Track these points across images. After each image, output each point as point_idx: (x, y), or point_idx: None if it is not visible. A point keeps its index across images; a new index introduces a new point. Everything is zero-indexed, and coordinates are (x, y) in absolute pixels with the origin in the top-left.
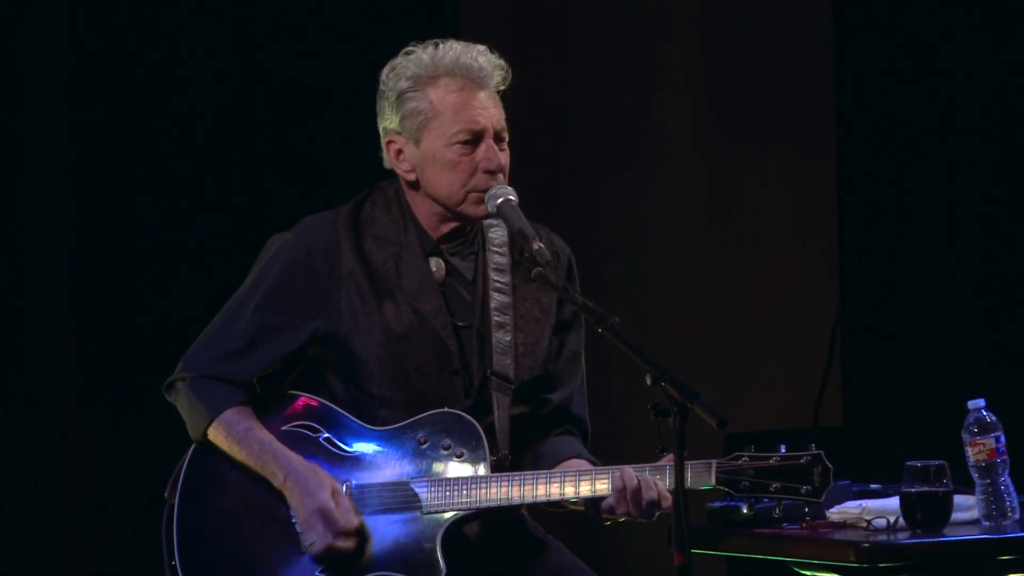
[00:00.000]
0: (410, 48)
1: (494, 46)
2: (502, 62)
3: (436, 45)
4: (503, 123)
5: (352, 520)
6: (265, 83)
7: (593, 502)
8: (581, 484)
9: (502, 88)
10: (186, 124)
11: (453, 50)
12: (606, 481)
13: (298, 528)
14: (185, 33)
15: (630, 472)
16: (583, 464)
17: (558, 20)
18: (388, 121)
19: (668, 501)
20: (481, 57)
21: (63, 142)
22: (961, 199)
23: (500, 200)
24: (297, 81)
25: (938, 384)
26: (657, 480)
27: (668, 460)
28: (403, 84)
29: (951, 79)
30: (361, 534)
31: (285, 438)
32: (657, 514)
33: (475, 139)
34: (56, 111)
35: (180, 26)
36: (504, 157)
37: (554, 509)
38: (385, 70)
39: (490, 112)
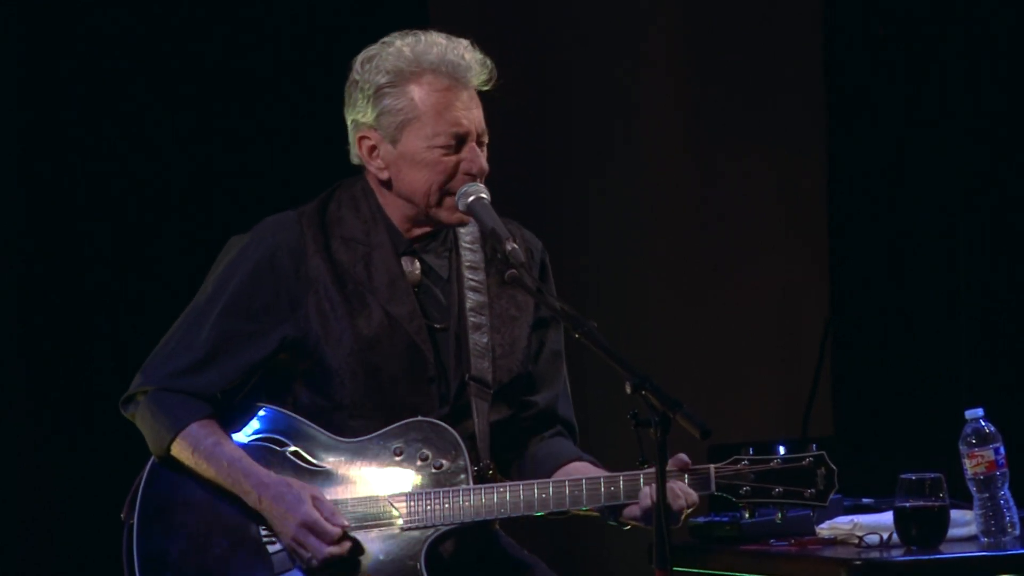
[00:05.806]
0: (388, 39)
1: (465, 37)
2: (487, 59)
3: (417, 37)
4: (484, 125)
5: (340, 522)
6: (223, 78)
7: (611, 509)
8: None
9: (486, 88)
10: (138, 132)
11: (438, 45)
12: (600, 490)
13: (276, 546)
14: (133, 33)
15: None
16: (587, 468)
17: (534, 8)
18: (361, 115)
19: (694, 498)
20: (467, 53)
21: (11, 151)
22: (956, 199)
23: (471, 199)
24: (255, 76)
25: (934, 392)
26: (683, 485)
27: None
28: (382, 78)
29: (944, 74)
30: (351, 538)
31: (249, 453)
32: (684, 516)
33: (458, 142)
34: (4, 120)
35: (130, 26)
36: (484, 160)
37: (554, 518)
38: (359, 59)
39: (473, 114)
